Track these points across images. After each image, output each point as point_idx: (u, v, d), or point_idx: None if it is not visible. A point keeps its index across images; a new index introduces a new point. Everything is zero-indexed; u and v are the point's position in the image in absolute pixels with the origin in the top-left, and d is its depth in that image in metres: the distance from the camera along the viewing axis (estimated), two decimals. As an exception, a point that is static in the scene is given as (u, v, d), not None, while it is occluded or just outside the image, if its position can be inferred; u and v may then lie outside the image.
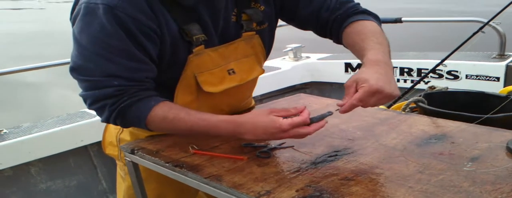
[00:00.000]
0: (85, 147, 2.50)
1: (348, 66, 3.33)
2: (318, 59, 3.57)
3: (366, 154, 1.09)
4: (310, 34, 1.50)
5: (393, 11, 3.11)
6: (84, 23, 1.09)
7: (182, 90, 1.24)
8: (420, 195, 0.88)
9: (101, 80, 1.11)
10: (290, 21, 1.43)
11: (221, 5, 1.22)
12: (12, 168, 2.28)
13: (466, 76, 2.85)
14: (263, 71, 1.41)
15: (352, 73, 3.30)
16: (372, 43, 1.19)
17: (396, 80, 1.12)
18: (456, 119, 1.31)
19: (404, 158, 1.05)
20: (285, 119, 1.02)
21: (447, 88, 1.87)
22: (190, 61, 1.21)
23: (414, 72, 3.03)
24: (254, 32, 1.33)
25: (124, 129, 1.35)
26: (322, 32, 1.39)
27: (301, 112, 1.05)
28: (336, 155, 1.09)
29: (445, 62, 1.94)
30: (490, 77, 2.76)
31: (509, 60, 2.82)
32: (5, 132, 2.33)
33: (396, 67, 3.12)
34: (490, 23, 2.33)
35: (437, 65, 1.79)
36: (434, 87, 1.87)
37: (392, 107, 1.90)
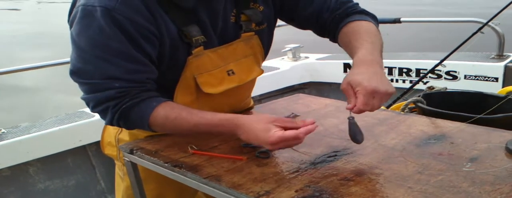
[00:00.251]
0: (84, 147, 2.49)
1: (346, 66, 3.33)
2: (317, 59, 3.57)
3: (365, 155, 1.08)
4: (309, 35, 1.50)
5: (391, 13, 3.11)
6: (82, 26, 1.08)
7: (182, 91, 1.24)
8: (420, 196, 0.87)
9: (101, 83, 1.10)
10: (289, 21, 1.43)
11: (219, 6, 1.22)
12: (10, 168, 2.27)
13: (465, 76, 2.85)
14: (262, 72, 1.41)
15: (351, 73, 3.31)
16: (365, 43, 1.19)
17: (390, 80, 1.12)
18: (455, 119, 1.31)
19: (403, 159, 1.05)
20: (277, 132, 1.00)
21: (446, 88, 1.88)
22: (190, 62, 1.20)
23: (413, 72, 3.03)
24: (253, 33, 1.33)
25: (123, 129, 1.34)
26: (321, 31, 1.39)
27: (311, 122, 1.04)
28: (336, 155, 1.09)
29: (444, 62, 1.94)
30: (488, 77, 2.77)
31: (507, 60, 2.82)
32: (3, 132, 2.33)
33: (395, 67, 3.12)
34: (489, 23, 2.33)
35: (437, 65, 1.80)
36: (433, 88, 1.87)
37: (391, 107, 1.90)
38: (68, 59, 1.15)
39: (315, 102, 1.54)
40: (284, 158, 1.08)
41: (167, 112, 1.13)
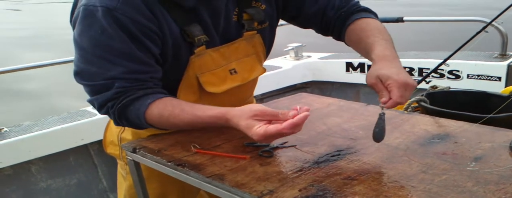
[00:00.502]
0: (86, 145, 2.49)
1: (349, 65, 3.33)
2: (319, 58, 3.56)
3: (369, 154, 1.08)
4: (311, 34, 1.50)
5: (389, 14, 3.10)
6: (84, 26, 1.08)
7: (185, 91, 1.23)
8: (423, 195, 0.87)
9: (103, 84, 1.10)
10: (292, 20, 1.42)
11: (221, 5, 1.22)
12: (13, 167, 2.27)
13: (468, 76, 2.84)
14: (264, 71, 1.41)
15: (353, 72, 3.31)
16: (379, 40, 1.20)
17: None
18: (458, 119, 1.31)
19: (407, 158, 1.05)
20: (259, 129, 0.98)
21: (449, 88, 1.87)
22: (192, 62, 1.20)
23: (416, 72, 3.02)
24: (256, 32, 1.32)
25: (126, 128, 1.34)
26: (325, 30, 1.39)
27: (294, 115, 0.98)
28: (339, 154, 1.08)
29: (447, 61, 1.93)
30: (491, 77, 2.76)
31: (510, 60, 2.81)
32: (6, 131, 2.33)
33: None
34: (492, 23, 2.32)
35: (440, 64, 1.79)
36: (436, 87, 1.87)
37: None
38: (70, 58, 1.15)
39: (318, 101, 1.53)
40: (288, 157, 1.08)
41: (160, 110, 1.12)
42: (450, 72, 2.90)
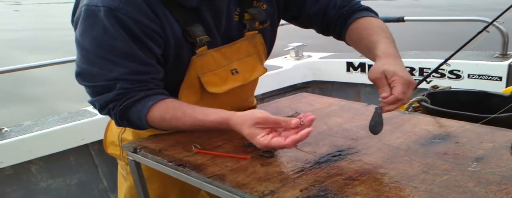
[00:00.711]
0: (86, 145, 2.49)
1: (350, 65, 3.32)
2: (320, 58, 3.56)
3: (370, 154, 1.08)
4: (312, 34, 1.50)
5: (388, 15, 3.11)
6: (86, 26, 1.08)
7: (186, 91, 1.23)
8: (425, 195, 0.87)
9: (104, 85, 1.10)
10: (293, 20, 1.42)
11: (223, 5, 1.22)
12: (13, 167, 2.27)
13: (468, 75, 2.84)
14: (265, 70, 1.41)
15: (354, 72, 3.31)
16: (382, 38, 1.21)
17: None
18: (459, 119, 1.31)
19: (409, 158, 1.04)
20: (262, 139, 0.97)
21: (450, 87, 1.87)
22: (194, 62, 1.20)
23: (416, 71, 3.02)
24: (257, 32, 1.32)
25: (126, 129, 1.34)
26: (326, 29, 1.39)
27: (296, 126, 0.95)
28: (340, 154, 1.08)
29: (448, 61, 1.93)
30: (492, 77, 2.76)
31: (511, 60, 2.81)
32: (6, 130, 2.33)
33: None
34: (494, 22, 2.32)
35: (441, 64, 1.79)
36: (437, 87, 1.87)
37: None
38: (70, 58, 1.14)
39: (318, 101, 1.53)
40: (289, 157, 1.08)
41: (162, 112, 1.12)
42: (451, 72, 2.90)
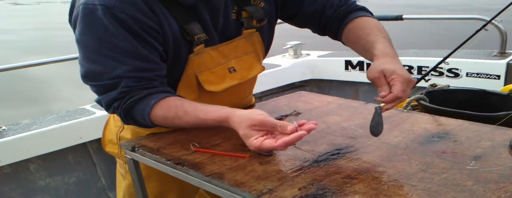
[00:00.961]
0: (84, 144, 2.49)
1: (348, 63, 3.32)
2: (318, 56, 3.56)
3: (369, 152, 1.08)
4: (309, 32, 1.49)
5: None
6: (85, 24, 1.07)
7: (184, 90, 1.23)
8: (423, 194, 0.87)
9: (109, 83, 1.09)
10: (290, 19, 1.42)
11: (220, 3, 1.21)
12: (11, 165, 2.27)
13: (467, 74, 2.84)
14: (263, 69, 1.41)
15: (352, 70, 3.30)
16: (380, 38, 1.21)
17: None
18: (457, 117, 1.31)
19: (407, 157, 1.04)
20: (255, 140, 0.98)
21: (449, 86, 1.87)
22: (191, 60, 1.20)
23: (415, 70, 3.02)
24: (254, 30, 1.32)
25: (125, 127, 1.34)
26: (322, 29, 1.39)
27: (292, 132, 0.95)
28: (338, 153, 1.08)
29: (446, 60, 1.93)
30: (490, 75, 2.76)
31: (510, 58, 2.81)
32: (4, 129, 2.32)
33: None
34: (492, 21, 2.32)
35: (440, 62, 1.79)
36: (436, 85, 1.86)
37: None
38: (69, 56, 1.14)
39: (317, 99, 1.53)
40: (287, 156, 1.08)
41: (164, 111, 1.12)
42: (450, 70, 2.90)
